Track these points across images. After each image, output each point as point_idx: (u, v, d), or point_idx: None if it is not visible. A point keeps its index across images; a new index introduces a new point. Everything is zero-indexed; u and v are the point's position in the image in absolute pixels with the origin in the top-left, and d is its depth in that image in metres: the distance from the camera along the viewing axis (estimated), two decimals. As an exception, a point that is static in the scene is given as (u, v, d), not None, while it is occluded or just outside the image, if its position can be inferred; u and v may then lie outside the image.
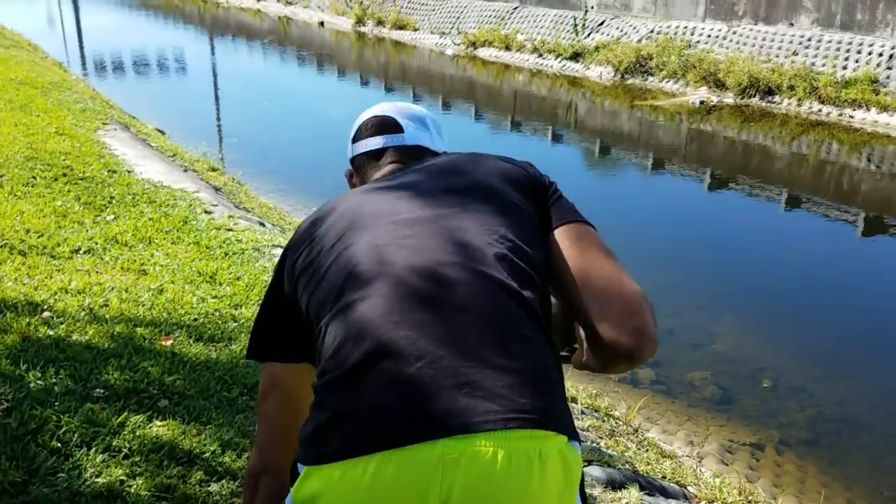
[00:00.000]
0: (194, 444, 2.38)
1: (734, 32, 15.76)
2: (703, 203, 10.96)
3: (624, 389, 5.18)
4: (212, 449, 2.37)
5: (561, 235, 1.30)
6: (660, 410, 4.96)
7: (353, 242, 1.22)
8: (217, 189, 6.16)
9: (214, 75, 18.64)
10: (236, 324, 3.30)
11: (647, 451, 3.49)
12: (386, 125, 1.51)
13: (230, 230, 4.70)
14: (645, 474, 3.01)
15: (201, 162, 7.24)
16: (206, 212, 5.06)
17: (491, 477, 0.97)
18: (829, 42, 14.07)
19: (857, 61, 13.50)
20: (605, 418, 3.84)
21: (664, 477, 3.13)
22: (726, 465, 4.33)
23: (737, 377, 5.51)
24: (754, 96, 14.24)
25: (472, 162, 1.39)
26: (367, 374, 1.06)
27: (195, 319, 3.29)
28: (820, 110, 13.36)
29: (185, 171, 6.51)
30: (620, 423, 3.96)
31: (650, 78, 16.21)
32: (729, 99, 14.65)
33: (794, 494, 4.07)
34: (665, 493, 2.90)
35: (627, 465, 2.98)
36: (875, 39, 13.57)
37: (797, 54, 14.38)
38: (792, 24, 14.94)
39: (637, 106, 15.68)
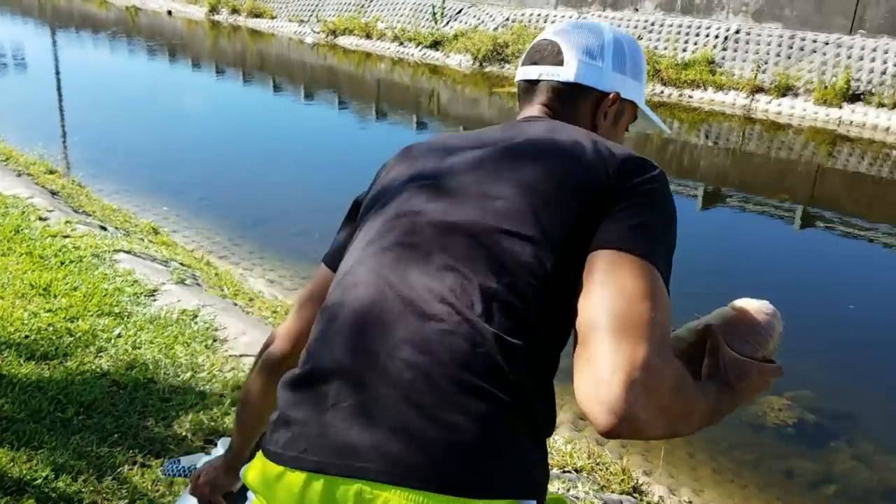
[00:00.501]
0: (24, 471, 2.24)
1: (584, 18, 16.43)
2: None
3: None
4: (44, 475, 2.24)
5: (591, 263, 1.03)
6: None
7: (369, 238, 1.15)
8: (54, 193, 5.77)
9: (57, 71, 17.43)
10: (72, 338, 3.12)
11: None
12: (545, 53, 1.27)
13: (67, 237, 4.43)
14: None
15: (37, 165, 6.76)
16: (40, 219, 4.74)
17: None
18: (671, 26, 14.95)
19: (695, 44, 14.43)
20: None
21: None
22: (578, 431, 4.55)
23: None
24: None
25: (543, 151, 1.14)
26: (308, 390, 1.05)
27: (26, 337, 3.09)
28: (662, 91, 14.18)
29: (19, 175, 6.06)
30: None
31: (507, 65, 16.62)
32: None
33: (640, 453, 4.34)
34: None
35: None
36: (712, 22, 14.55)
37: (642, 38, 15.17)
38: (637, 10, 15.76)
39: (496, 93, 16.06)
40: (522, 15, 17.39)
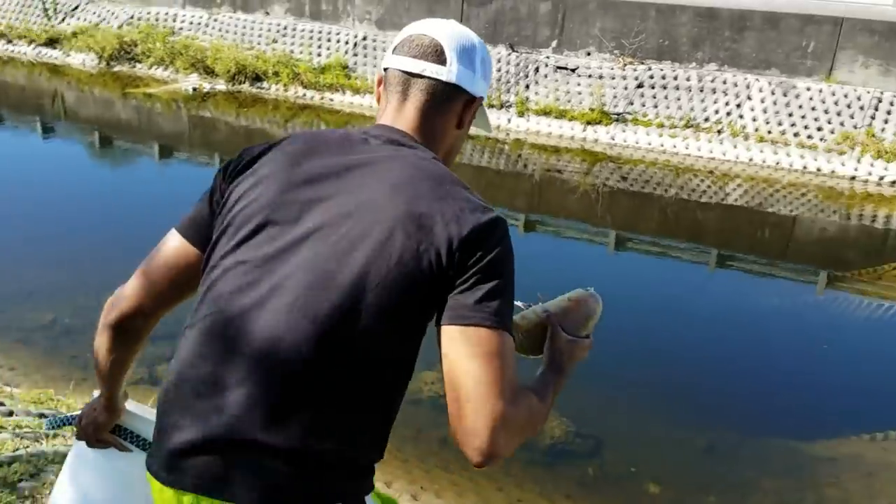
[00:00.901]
0: None
1: (216, 20, 16.07)
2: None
3: (140, 391, 4.98)
4: None
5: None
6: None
7: (235, 249, 1.25)
8: None
9: None
10: None
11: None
12: (427, 49, 1.32)
13: None
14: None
15: None
16: None
17: None
18: (303, 31, 15.35)
19: (328, 49, 15.02)
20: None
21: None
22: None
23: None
24: (244, 82, 14.79)
25: (397, 193, 1.23)
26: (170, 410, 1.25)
27: None
28: (304, 94, 14.52)
29: None
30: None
31: (138, 65, 15.58)
32: (221, 85, 14.94)
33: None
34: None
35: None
36: (341, 28, 15.25)
37: (276, 42, 15.35)
38: (268, 13, 15.87)
39: (130, 94, 14.95)
40: (148, 13, 16.44)
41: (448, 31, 1.35)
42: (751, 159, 11.76)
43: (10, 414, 3.29)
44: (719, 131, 12.07)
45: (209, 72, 15.02)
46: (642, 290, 8.02)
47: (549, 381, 1.41)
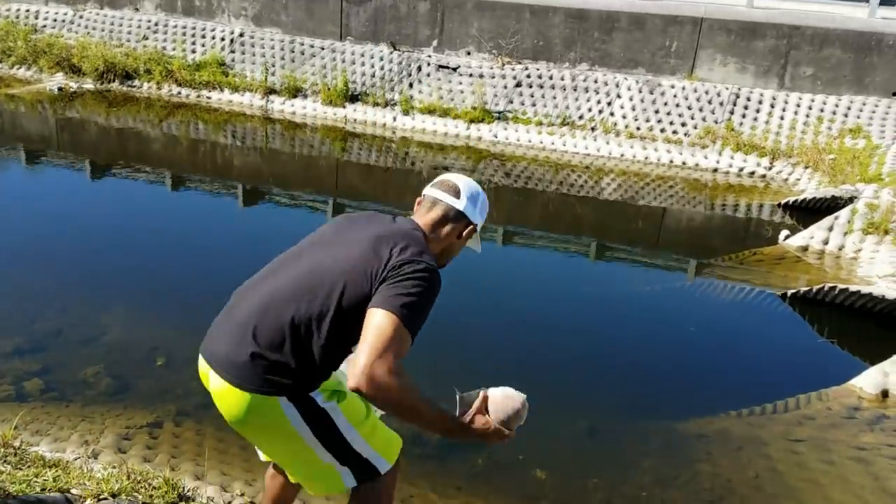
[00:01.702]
0: None
1: (81, 17, 15.20)
2: (88, 191, 10.46)
3: (9, 408, 4.66)
4: None
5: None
6: (51, 419, 4.62)
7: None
8: None
9: None
10: None
11: (27, 467, 3.22)
12: (450, 189, 2.15)
13: None
14: (19, 493, 2.77)
15: None
16: None
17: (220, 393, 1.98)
18: (175, 27, 14.76)
19: (203, 45, 14.52)
20: (-27, 450, 3.39)
21: (44, 489, 2.93)
22: (124, 453, 4.31)
23: (130, 363, 5.49)
24: (114, 81, 14.08)
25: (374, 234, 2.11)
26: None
27: None
28: (179, 92, 13.98)
29: None
30: (-5, 448, 3.54)
31: (1, 64, 14.55)
32: (89, 84, 14.15)
33: (192, 460, 4.31)
34: (43, 505, 2.74)
35: (-5, 493, 2.70)
36: (216, 24, 14.77)
37: (147, 38, 14.69)
38: (137, 10, 15.16)
39: (-9, 95, 13.94)
40: (7, 10, 15.35)
41: (465, 183, 2.23)
42: (622, 154, 12.33)
43: None
44: (593, 128, 12.57)
45: (76, 71, 14.21)
46: (528, 282, 8.25)
47: (449, 417, 2.01)
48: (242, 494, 4.04)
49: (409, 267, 1.94)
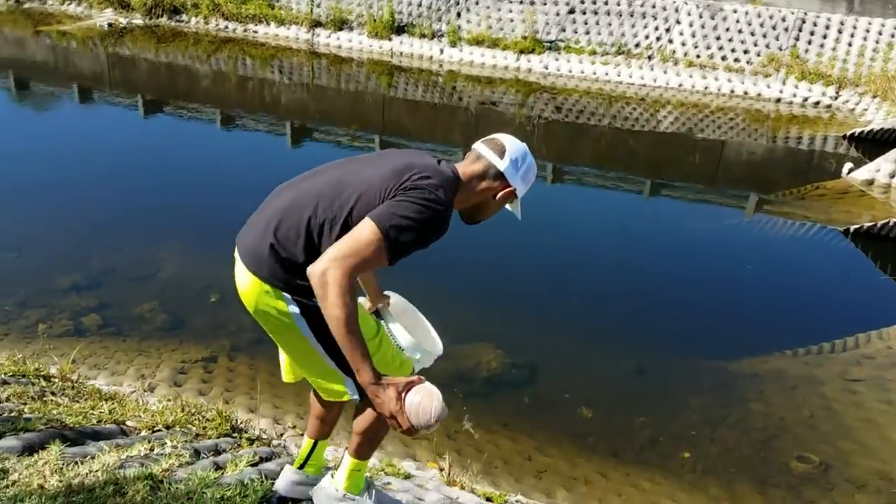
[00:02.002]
0: None
1: (129, -50, 15.14)
2: (140, 128, 10.61)
3: (67, 343, 4.83)
4: None
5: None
6: (108, 354, 4.78)
7: None
8: None
9: None
10: None
11: (84, 400, 3.33)
12: (497, 147, 2.13)
13: None
14: (75, 426, 2.87)
15: None
16: None
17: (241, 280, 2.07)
18: (223, -40, 14.59)
19: (250, -22, 14.34)
20: (35, 381, 3.52)
21: (100, 421, 3.03)
22: (179, 386, 4.43)
23: (185, 299, 5.61)
24: (162, 15, 14.10)
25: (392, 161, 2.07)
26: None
27: None
28: (226, 27, 13.92)
29: None
30: (56, 381, 3.67)
31: (49, 0, 14.66)
32: (137, 19, 14.20)
33: (245, 393, 4.42)
34: (97, 436, 2.82)
35: (53, 423, 2.79)
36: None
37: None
38: (184, -58, 15.02)
39: (43, 32, 14.11)
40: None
41: (514, 146, 2.15)
42: (680, 85, 11.84)
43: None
44: (649, 57, 12.08)
45: (125, 6, 14.26)
46: (579, 221, 8.10)
47: (362, 354, 1.88)
48: (294, 427, 4.13)
49: (417, 192, 1.94)
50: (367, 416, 2.21)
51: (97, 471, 2.42)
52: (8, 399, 3.09)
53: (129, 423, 3.16)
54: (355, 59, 13.69)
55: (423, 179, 1.96)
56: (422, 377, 1.96)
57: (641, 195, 9.00)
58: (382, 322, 2.35)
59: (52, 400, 3.22)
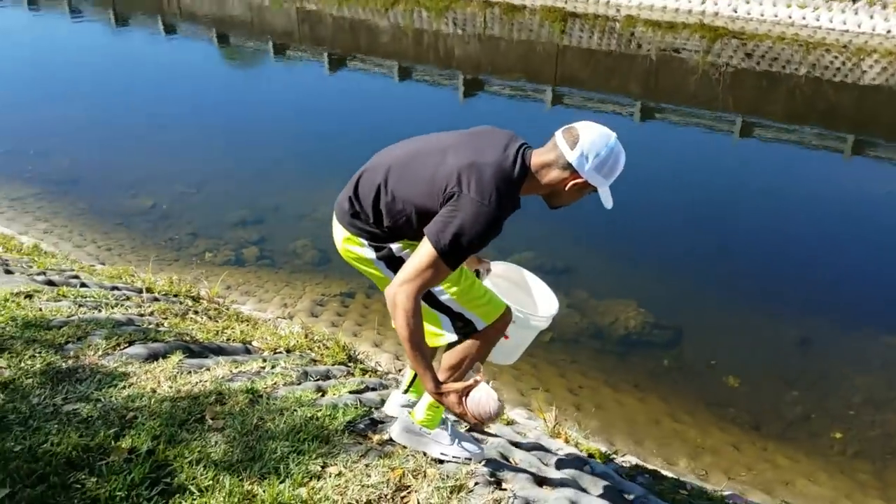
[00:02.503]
0: None
1: None
2: (327, 83, 11.16)
3: (226, 270, 5.20)
4: None
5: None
6: (259, 283, 5.10)
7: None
8: None
9: None
10: None
11: (221, 321, 3.58)
12: (571, 136, 2.06)
13: None
14: (203, 341, 3.09)
15: None
16: None
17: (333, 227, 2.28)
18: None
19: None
20: (184, 301, 3.83)
21: (229, 339, 3.24)
22: (315, 317, 4.64)
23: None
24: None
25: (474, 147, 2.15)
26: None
27: None
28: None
29: None
30: (203, 302, 3.98)
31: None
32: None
33: (374, 328, 4.54)
34: (221, 352, 3.02)
35: (183, 337, 3.02)
36: None
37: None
38: None
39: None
40: None
41: (591, 137, 2.05)
42: (889, 31, 10.42)
43: (83, 286, 3.53)
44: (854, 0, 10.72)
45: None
46: (762, 180, 7.44)
47: (427, 366, 2.08)
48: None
49: (467, 203, 2.03)
50: (453, 353, 2.28)
51: (206, 381, 2.59)
52: (152, 314, 3.38)
53: (255, 343, 3.35)
54: (528, 6, 13.40)
55: (474, 186, 2.03)
56: (478, 380, 2.10)
57: (842, 154, 8.11)
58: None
59: (192, 318, 3.49)
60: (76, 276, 3.75)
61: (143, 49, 12.74)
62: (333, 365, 3.38)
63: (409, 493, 2.18)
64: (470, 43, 13.05)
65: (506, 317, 2.30)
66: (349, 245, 2.22)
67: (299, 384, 2.79)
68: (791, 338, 4.79)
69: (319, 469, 2.18)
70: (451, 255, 2.01)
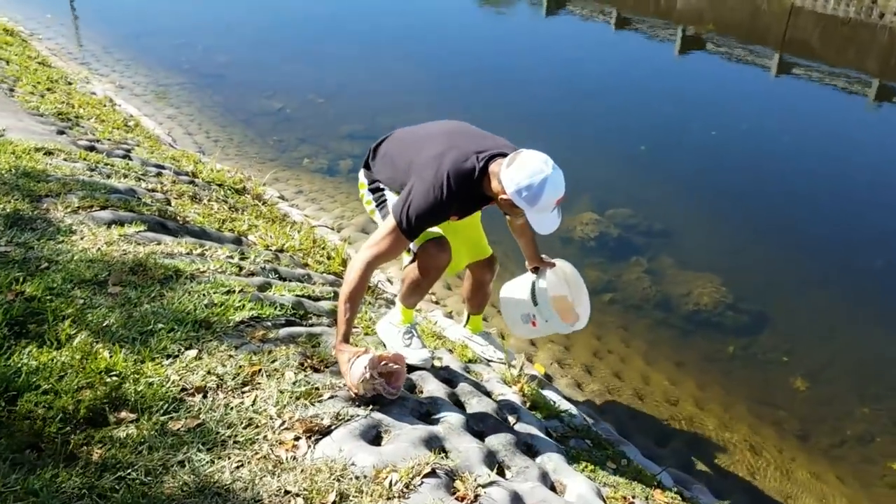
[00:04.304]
0: None
1: None
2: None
3: (310, 176, 5.34)
4: None
5: None
6: (332, 193, 5.19)
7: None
8: None
9: None
10: None
11: (245, 213, 3.68)
12: (510, 159, 2.27)
13: None
14: (193, 223, 3.20)
15: None
16: None
17: None
18: None
19: None
20: (220, 189, 3.98)
21: (231, 229, 3.33)
22: (366, 233, 4.61)
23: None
24: None
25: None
26: None
27: None
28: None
29: None
30: (246, 196, 4.11)
31: None
32: None
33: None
34: (204, 235, 3.11)
35: (163, 215, 3.13)
36: None
37: None
38: None
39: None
40: None
41: (527, 160, 2.25)
42: None
43: (126, 157, 3.76)
44: None
45: None
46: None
47: (343, 334, 2.25)
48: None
49: (418, 183, 2.30)
50: (408, 269, 2.62)
51: (141, 252, 2.65)
52: (166, 192, 3.53)
53: (251, 237, 3.40)
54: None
55: (431, 172, 2.29)
56: (368, 349, 2.22)
57: None
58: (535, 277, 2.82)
59: (208, 204, 3.61)
60: (129, 150, 4.02)
61: None
62: (323, 273, 3.35)
63: (251, 388, 2.11)
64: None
65: (434, 246, 2.54)
66: (360, 180, 2.71)
67: (241, 275, 2.78)
68: (891, 351, 4.00)
69: (179, 349, 2.17)
70: (406, 228, 2.29)
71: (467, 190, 2.32)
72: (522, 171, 2.21)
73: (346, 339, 2.24)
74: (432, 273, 2.56)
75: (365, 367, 2.12)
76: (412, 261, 2.58)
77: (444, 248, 2.54)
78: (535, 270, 2.84)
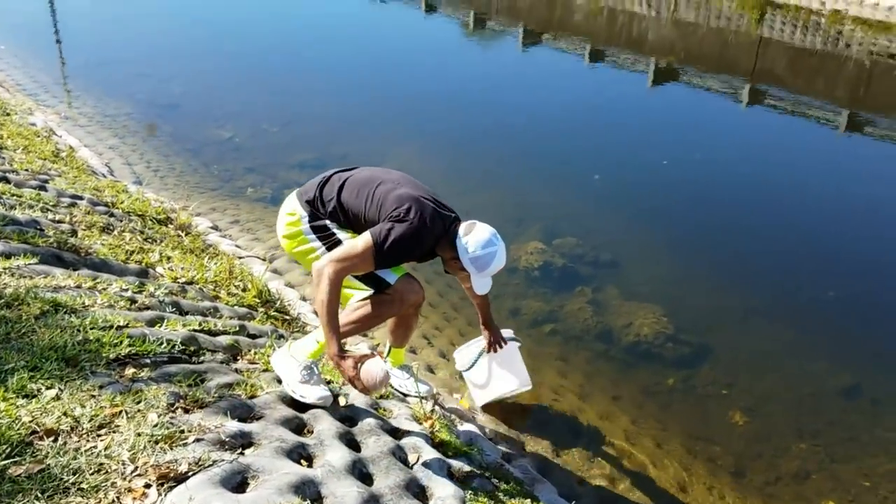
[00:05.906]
0: None
1: None
2: (515, 58, 11.00)
3: (250, 204, 5.22)
4: None
5: None
6: (270, 223, 5.02)
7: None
8: None
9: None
10: None
11: (158, 244, 3.55)
12: (465, 227, 2.61)
13: None
14: (96, 255, 3.07)
15: None
16: None
17: None
18: None
19: None
20: (139, 220, 3.86)
21: (138, 261, 3.20)
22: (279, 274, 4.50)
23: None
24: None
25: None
26: None
27: None
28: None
29: None
30: (168, 227, 3.99)
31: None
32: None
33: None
34: (105, 268, 2.98)
35: (62, 246, 3.01)
36: None
37: None
38: None
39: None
40: None
41: (479, 233, 2.59)
42: None
43: (41, 188, 3.63)
44: None
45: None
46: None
47: (335, 339, 2.40)
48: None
49: (405, 221, 2.45)
50: (373, 300, 2.65)
51: (21, 286, 2.52)
52: (73, 223, 3.40)
53: (159, 269, 3.27)
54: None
55: (416, 215, 2.45)
56: (374, 353, 2.53)
57: None
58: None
59: (118, 235, 3.48)
60: (46, 181, 3.90)
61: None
62: (234, 306, 3.23)
63: (108, 431, 1.97)
64: (664, 26, 12.22)
65: (415, 281, 2.67)
66: (289, 217, 2.68)
67: (132, 309, 2.65)
68: (833, 386, 3.91)
69: (39, 389, 2.03)
70: (381, 253, 2.42)
71: (435, 239, 2.58)
72: (477, 243, 2.57)
73: (341, 349, 2.40)
74: (402, 307, 2.67)
75: (382, 368, 2.33)
76: (380, 293, 2.62)
77: (420, 286, 2.70)
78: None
